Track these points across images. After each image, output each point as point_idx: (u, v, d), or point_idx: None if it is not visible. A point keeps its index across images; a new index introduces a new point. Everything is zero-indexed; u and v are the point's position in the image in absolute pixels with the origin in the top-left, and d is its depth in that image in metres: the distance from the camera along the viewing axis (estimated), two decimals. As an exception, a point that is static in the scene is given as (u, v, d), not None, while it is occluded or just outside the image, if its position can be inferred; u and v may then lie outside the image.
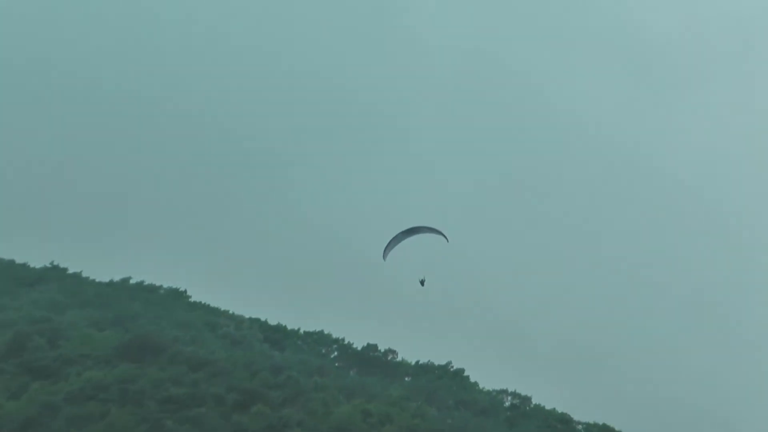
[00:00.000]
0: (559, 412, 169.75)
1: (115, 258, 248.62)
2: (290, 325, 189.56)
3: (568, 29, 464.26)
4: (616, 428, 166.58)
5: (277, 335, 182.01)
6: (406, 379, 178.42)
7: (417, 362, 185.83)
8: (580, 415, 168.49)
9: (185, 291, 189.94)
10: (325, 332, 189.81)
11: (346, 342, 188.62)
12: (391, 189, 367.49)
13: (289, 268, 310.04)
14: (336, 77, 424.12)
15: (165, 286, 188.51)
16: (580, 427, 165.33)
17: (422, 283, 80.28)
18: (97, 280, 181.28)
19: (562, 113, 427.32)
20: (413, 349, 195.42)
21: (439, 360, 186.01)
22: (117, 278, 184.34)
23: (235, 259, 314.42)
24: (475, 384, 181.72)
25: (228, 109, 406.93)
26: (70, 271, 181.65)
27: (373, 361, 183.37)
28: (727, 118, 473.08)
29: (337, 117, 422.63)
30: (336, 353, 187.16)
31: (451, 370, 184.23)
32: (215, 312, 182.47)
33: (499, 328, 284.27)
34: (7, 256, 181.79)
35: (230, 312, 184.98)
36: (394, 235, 78.41)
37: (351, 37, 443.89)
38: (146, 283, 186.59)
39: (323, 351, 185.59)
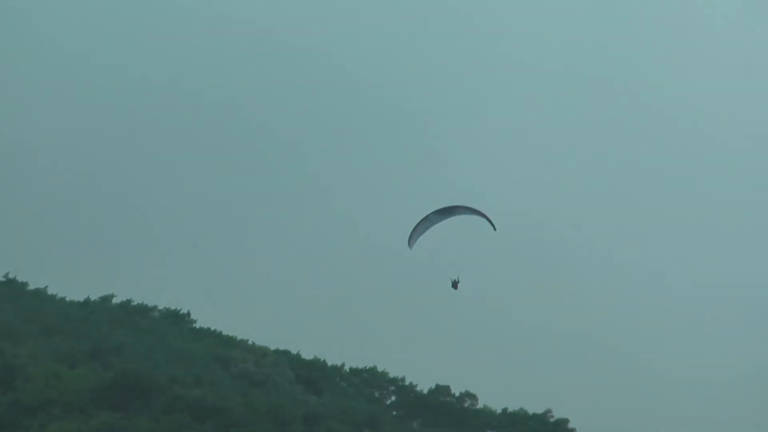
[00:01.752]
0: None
1: (92, 270, 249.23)
2: (331, 360, 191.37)
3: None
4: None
5: (314, 373, 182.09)
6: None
7: (504, 410, 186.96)
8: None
9: (188, 313, 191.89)
10: (379, 369, 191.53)
11: (407, 383, 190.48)
12: (467, 179, 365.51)
13: (329, 283, 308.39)
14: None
15: (160, 306, 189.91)
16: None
17: (455, 285, 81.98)
18: (67, 299, 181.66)
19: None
20: (498, 392, 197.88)
21: (534, 407, 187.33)
22: (95, 296, 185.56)
23: (256, 272, 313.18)
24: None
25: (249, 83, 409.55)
26: (31, 286, 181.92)
27: (445, 408, 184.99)
28: None
29: (388, 94, 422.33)
30: (394, 398, 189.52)
31: (551, 420, 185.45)
32: (228, 342, 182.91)
33: (613, 363, 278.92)
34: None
35: (249, 342, 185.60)
36: (425, 215, 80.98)
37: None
38: (135, 302, 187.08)
39: (376, 395, 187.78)
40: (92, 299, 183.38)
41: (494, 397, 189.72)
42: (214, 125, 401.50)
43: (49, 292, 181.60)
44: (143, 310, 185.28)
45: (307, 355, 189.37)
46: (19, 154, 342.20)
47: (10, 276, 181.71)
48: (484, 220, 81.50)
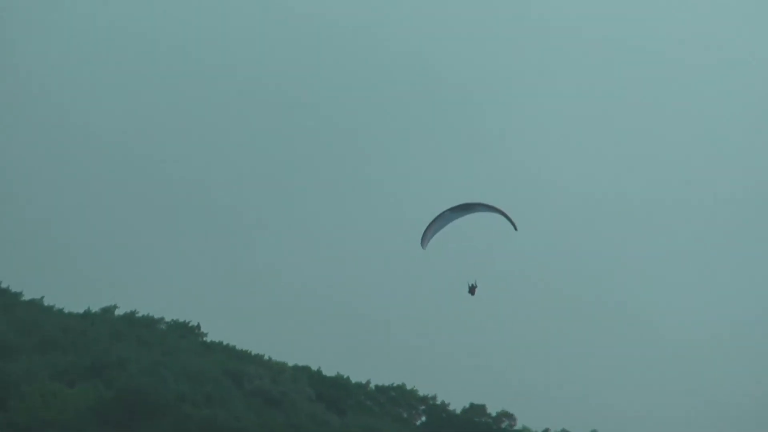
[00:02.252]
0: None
1: (92, 278, 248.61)
2: (355, 377, 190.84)
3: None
4: None
5: (336, 391, 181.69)
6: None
7: (545, 431, 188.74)
8: None
9: (197, 325, 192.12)
10: (408, 387, 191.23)
11: (438, 401, 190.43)
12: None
13: (351, 293, 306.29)
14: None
15: (167, 318, 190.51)
16: None
17: (472, 290, 79.56)
18: (65, 310, 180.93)
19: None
20: (538, 411, 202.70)
21: (578, 428, 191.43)
22: (95, 307, 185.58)
23: (271, 281, 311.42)
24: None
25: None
26: (25, 297, 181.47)
27: (480, 429, 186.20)
28: None
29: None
30: (424, 418, 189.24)
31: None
32: (242, 356, 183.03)
33: (666, 381, 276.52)
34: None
35: (264, 357, 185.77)
36: (440, 212, 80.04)
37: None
38: (139, 314, 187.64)
39: (405, 414, 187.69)
40: (93, 310, 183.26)
41: (534, 417, 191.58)
42: (217, 127, 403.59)
43: (46, 303, 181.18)
44: (149, 322, 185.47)
45: (328, 371, 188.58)
46: (15, 154, 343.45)
47: (3, 285, 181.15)
48: (504, 219, 79.87)
